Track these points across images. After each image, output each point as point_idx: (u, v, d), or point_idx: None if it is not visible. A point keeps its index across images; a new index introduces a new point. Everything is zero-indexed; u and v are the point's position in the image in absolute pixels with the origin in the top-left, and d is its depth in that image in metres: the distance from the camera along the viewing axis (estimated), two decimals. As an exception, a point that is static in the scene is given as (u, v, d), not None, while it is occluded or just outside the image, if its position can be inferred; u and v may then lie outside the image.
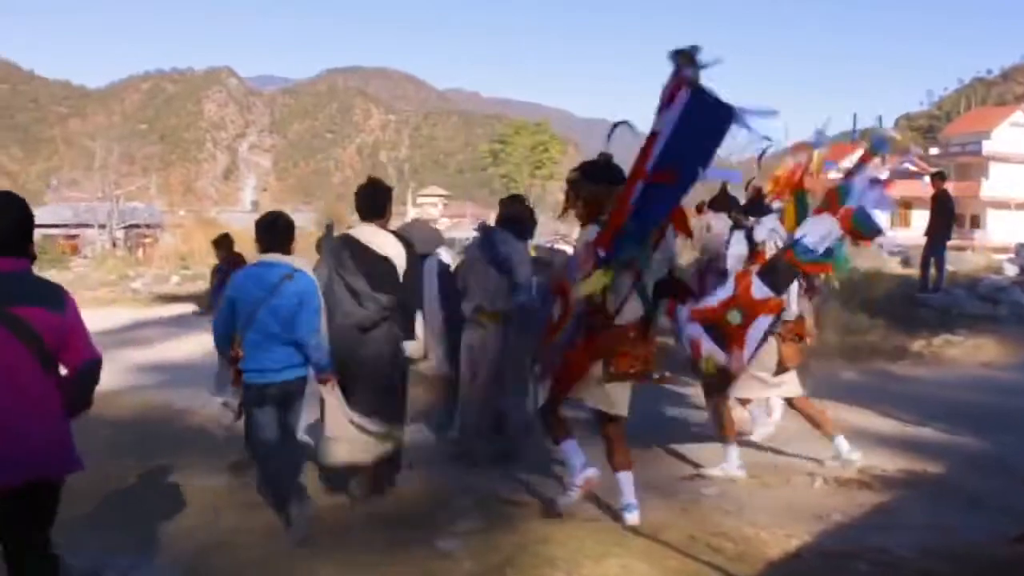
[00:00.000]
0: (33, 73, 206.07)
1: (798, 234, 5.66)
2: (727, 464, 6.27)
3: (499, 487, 5.82)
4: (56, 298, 3.25)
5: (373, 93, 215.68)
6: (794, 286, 6.02)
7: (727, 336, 5.36)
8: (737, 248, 6.11)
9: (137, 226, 43.19)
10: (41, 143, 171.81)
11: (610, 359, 4.85)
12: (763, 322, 5.48)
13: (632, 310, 4.82)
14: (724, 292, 5.53)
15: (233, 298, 4.90)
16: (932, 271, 14.34)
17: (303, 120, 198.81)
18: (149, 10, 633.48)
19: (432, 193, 76.34)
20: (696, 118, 4.14)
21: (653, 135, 4.32)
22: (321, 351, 4.88)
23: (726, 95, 4.13)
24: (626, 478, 5.11)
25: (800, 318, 6.26)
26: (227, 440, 6.77)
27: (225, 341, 4.97)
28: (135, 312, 18.54)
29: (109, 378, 8.93)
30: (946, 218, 13.97)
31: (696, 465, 6.52)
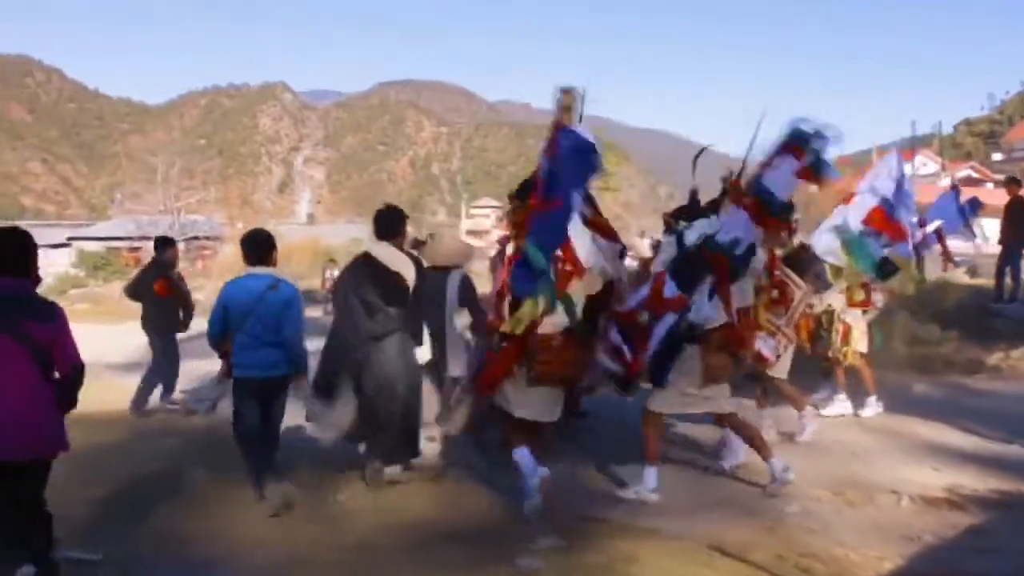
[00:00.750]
0: (98, 92, 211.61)
1: (712, 230, 5.61)
2: (641, 487, 5.85)
3: (578, 503, 5.71)
4: (48, 313, 3.99)
5: (425, 106, 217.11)
6: (740, 288, 5.77)
7: (635, 335, 5.43)
8: (667, 251, 5.91)
9: (197, 238, 43.88)
10: (105, 159, 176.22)
11: (531, 364, 5.17)
12: (668, 319, 5.45)
13: (554, 320, 5.14)
14: (642, 293, 5.60)
15: (225, 305, 5.57)
16: (1008, 280, 13.84)
17: (356, 133, 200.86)
18: (206, 28, 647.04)
19: (485, 204, 76.53)
20: (567, 153, 4.92)
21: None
22: (302, 351, 5.58)
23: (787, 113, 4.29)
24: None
25: (728, 326, 5.64)
26: (296, 453, 6.74)
27: (218, 341, 5.66)
28: (198, 323, 18.72)
29: (178, 387, 9.01)
30: (1021, 225, 13.48)
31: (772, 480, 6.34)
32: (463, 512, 5.44)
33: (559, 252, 5.12)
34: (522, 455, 5.40)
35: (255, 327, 5.46)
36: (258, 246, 5.76)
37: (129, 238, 43.31)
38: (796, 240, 7.94)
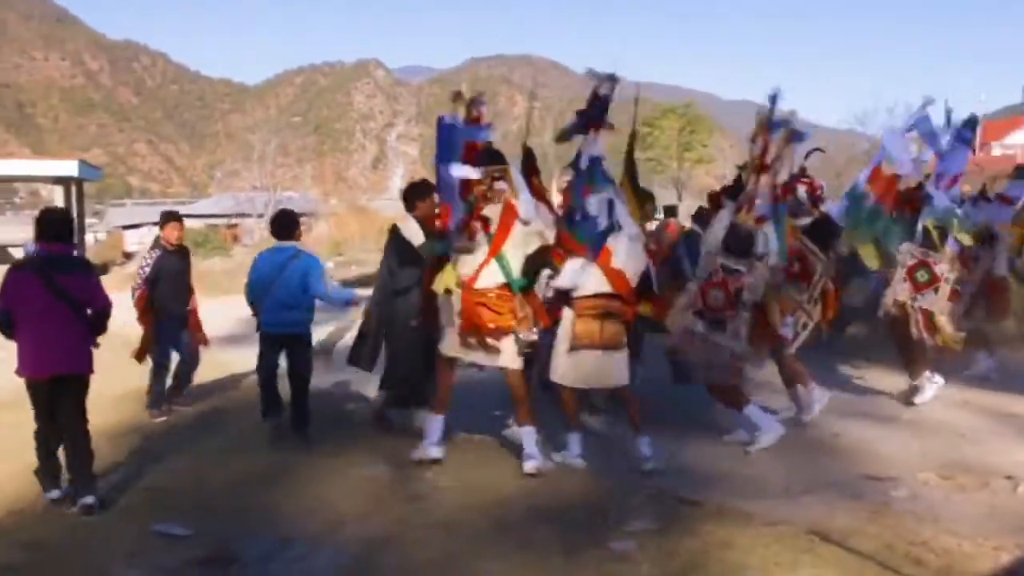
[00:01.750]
0: (199, 74, 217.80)
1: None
2: (567, 452, 5.95)
3: (674, 484, 5.53)
4: (83, 269, 5.40)
5: (517, 81, 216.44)
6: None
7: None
8: (718, 228, 6.32)
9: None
10: (206, 138, 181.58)
11: (470, 318, 5.59)
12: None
13: (490, 276, 5.56)
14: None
15: (255, 274, 6.67)
16: None
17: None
18: (302, 7, 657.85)
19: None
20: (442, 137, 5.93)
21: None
22: (339, 294, 7.17)
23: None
24: (528, 432, 5.74)
25: (600, 296, 5.73)
26: (385, 433, 6.74)
27: (251, 303, 6.76)
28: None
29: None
30: None
31: (878, 463, 6.06)
32: (553, 491, 5.31)
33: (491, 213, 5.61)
34: (433, 421, 5.94)
35: (279, 292, 6.48)
36: (283, 225, 6.80)
37: (227, 215, 44.46)
38: (821, 209, 7.42)
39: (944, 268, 7.57)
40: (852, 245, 7.40)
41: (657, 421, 7.13)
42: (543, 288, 6.16)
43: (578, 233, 5.77)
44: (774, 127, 6.09)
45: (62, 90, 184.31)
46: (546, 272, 5.96)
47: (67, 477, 5.21)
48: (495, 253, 5.54)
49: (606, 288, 5.73)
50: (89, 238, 43.73)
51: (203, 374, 9.13)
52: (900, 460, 6.09)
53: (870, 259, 7.23)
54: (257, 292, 6.64)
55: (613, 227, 5.78)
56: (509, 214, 5.58)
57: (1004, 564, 4.30)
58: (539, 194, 5.96)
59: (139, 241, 35.12)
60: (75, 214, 31.29)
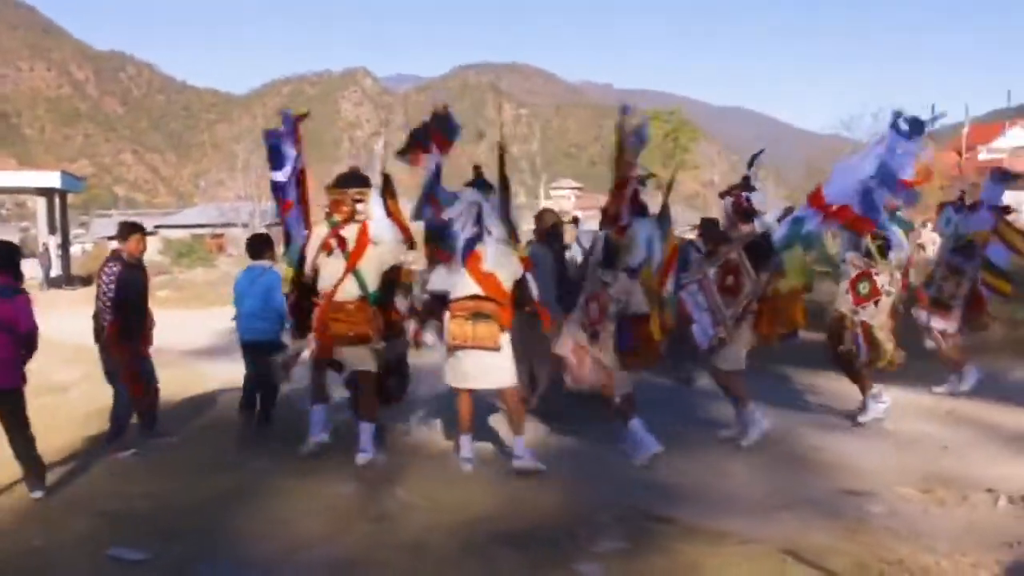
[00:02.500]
0: (185, 83, 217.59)
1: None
2: (461, 452, 6.19)
3: (647, 501, 5.42)
4: (12, 295, 5.59)
5: (505, 88, 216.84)
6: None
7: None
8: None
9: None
10: (192, 148, 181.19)
11: (330, 326, 6.18)
12: None
13: (348, 290, 6.14)
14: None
15: (235, 289, 7.44)
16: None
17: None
18: (289, 17, 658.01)
19: (564, 186, 75.88)
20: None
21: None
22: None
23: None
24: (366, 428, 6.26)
25: (470, 298, 5.95)
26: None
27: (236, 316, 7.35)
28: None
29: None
30: None
31: (857, 477, 5.96)
32: (523, 510, 5.19)
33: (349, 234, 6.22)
34: (317, 412, 6.58)
35: (250, 304, 7.19)
36: (256, 247, 7.54)
37: (212, 225, 44.17)
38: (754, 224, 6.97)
39: (884, 280, 7.19)
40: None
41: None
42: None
43: (442, 243, 6.14)
44: (631, 138, 6.04)
45: (48, 100, 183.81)
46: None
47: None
48: (351, 269, 6.16)
49: (475, 290, 5.96)
50: (76, 249, 43.42)
51: (178, 389, 9.00)
52: (879, 474, 5.99)
53: (796, 277, 6.70)
54: (236, 305, 7.37)
55: (481, 233, 6.03)
56: (363, 235, 6.19)
57: (981, 582, 4.21)
58: (394, 216, 6.38)
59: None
60: (59, 225, 31.11)
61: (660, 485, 5.86)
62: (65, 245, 32.10)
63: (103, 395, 7.99)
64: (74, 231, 48.02)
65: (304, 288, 6.58)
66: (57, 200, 30.51)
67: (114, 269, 6.88)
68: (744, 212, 6.82)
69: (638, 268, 6.11)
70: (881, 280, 7.18)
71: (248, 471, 6.12)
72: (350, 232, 6.22)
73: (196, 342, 12.88)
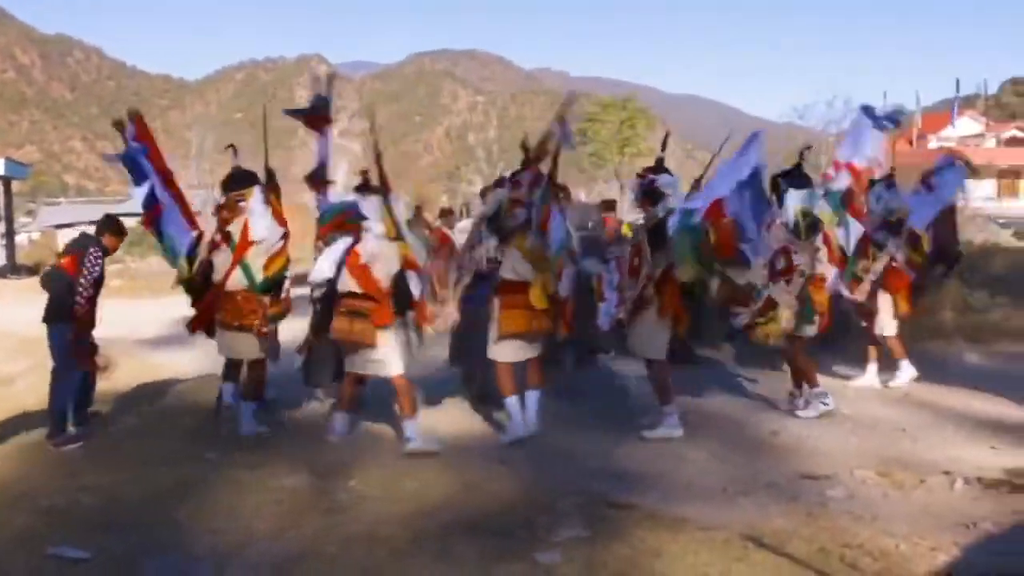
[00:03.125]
0: (136, 69, 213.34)
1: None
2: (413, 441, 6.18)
3: (604, 487, 5.35)
4: None
5: (461, 75, 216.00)
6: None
7: None
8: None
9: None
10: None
11: (222, 315, 6.59)
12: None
13: (235, 281, 6.46)
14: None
15: None
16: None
17: (392, 104, 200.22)
18: (243, 2, 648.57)
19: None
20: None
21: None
22: None
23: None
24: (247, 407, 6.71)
25: (347, 294, 6.16)
26: (311, 438, 6.50)
27: None
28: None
29: (193, 365, 8.78)
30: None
31: (816, 461, 5.96)
32: (479, 499, 5.09)
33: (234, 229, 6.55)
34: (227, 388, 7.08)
35: None
36: None
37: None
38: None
39: (802, 260, 7.07)
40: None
41: (594, 421, 7.04)
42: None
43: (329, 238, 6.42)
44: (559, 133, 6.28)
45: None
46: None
47: None
48: (236, 262, 6.45)
49: (353, 287, 6.15)
50: (22, 238, 42.33)
51: (128, 379, 8.78)
52: (838, 457, 5.98)
53: (685, 272, 6.49)
54: None
55: (360, 232, 6.19)
56: (246, 231, 6.45)
57: (940, 565, 4.20)
58: (274, 210, 6.56)
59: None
60: (3, 213, 30.27)
61: (618, 472, 5.80)
62: (10, 233, 31.25)
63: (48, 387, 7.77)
64: (20, 219, 46.87)
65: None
66: (0, 187, 29.67)
67: (98, 255, 6.79)
68: (649, 193, 6.65)
69: (510, 234, 6.29)
70: (798, 259, 7.07)
71: (197, 463, 5.94)
72: (235, 228, 6.58)
73: (147, 332, 12.57)
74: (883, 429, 6.76)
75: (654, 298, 6.47)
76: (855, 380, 8.24)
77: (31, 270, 27.45)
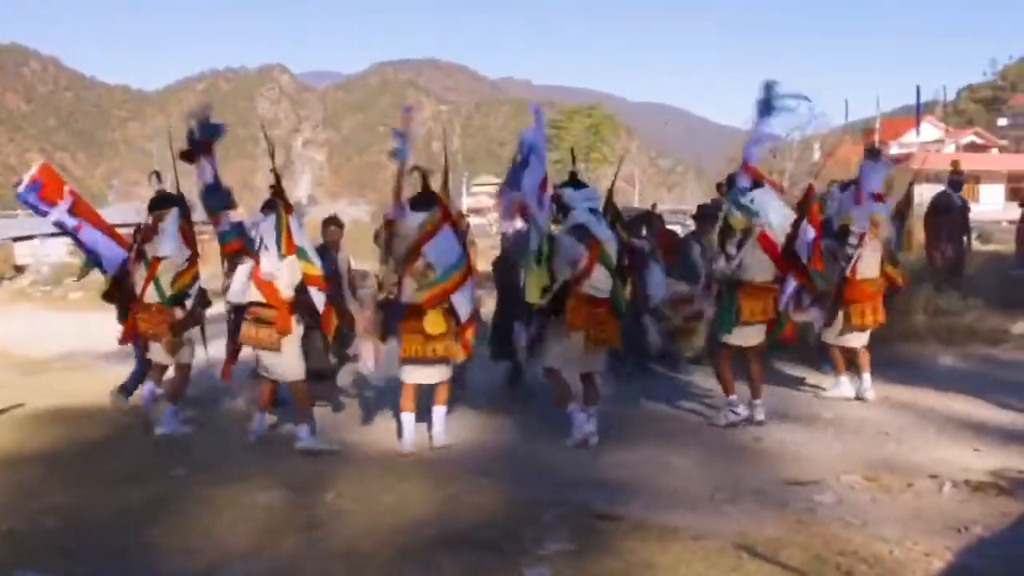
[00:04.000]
0: (95, 79, 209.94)
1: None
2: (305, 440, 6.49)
3: (591, 498, 5.21)
4: None
5: (424, 84, 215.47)
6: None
7: None
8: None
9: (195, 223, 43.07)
10: (104, 146, 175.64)
11: (142, 324, 7.18)
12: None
13: (149, 295, 7.03)
14: None
15: None
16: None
17: (356, 114, 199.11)
18: (202, 12, 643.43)
19: (486, 182, 75.66)
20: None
21: None
22: None
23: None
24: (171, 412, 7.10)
25: (253, 304, 6.45)
26: (284, 452, 6.31)
27: None
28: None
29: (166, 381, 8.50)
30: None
31: (802, 466, 5.87)
32: (462, 512, 4.93)
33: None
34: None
35: None
36: None
37: (127, 225, 42.64)
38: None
39: (720, 266, 6.96)
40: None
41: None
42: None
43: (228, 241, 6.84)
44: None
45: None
46: None
47: None
48: (150, 278, 6.99)
49: (257, 297, 6.44)
50: (-23, 252, 41.44)
51: (92, 394, 8.53)
52: (824, 462, 5.92)
53: (532, 292, 6.42)
54: None
55: (260, 247, 6.45)
56: (156, 248, 7.00)
57: (935, 570, 4.12)
58: (185, 234, 7.07)
59: (31, 254, 33.32)
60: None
61: (602, 481, 5.68)
62: (-34, 248, 30.55)
63: (8, 403, 7.56)
64: (-23, 233, 45.85)
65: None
66: (-44, 200, 28.98)
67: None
68: (560, 207, 6.60)
69: (402, 259, 6.30)
70: (716, 266, 7.04)
71: (166, 480, 5.73)
72: (150, 246, 7.12)
73: (109, 345, 12.23)
74: (866, 433, 6.72)
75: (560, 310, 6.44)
76: (829, 391, 7.92)
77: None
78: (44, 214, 7.65)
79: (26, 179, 7.60)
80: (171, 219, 7.04)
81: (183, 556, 4.44)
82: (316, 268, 6.45)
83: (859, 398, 7.66)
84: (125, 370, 9.93)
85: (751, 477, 5.65)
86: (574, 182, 6.80)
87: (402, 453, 6.40)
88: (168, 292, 6.98)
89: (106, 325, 12.60)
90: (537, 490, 5.39)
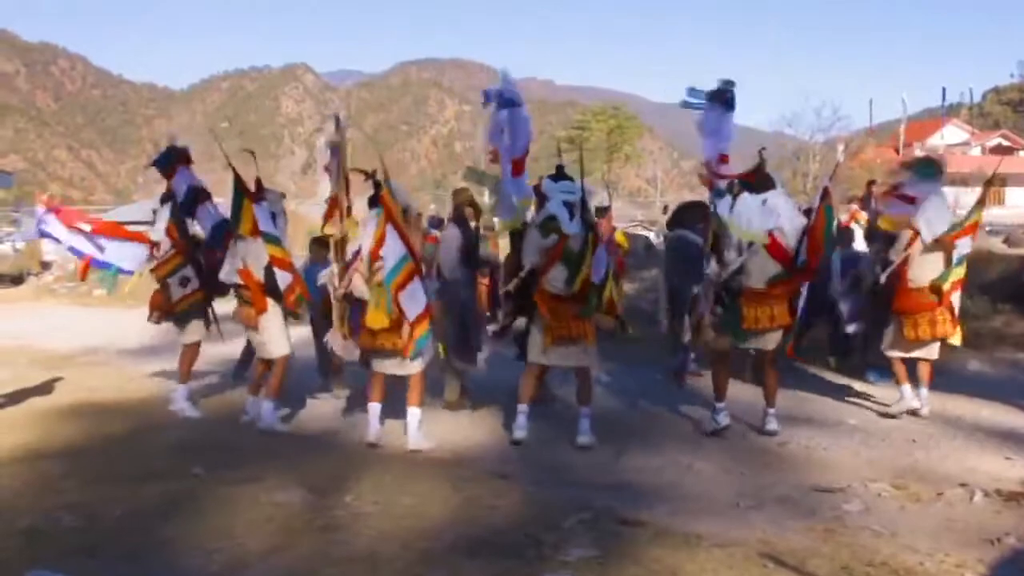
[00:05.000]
0: (122, 78, 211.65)
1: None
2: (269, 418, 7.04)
3: (609, 502, 5.12)
4: None
5: (447, 84, 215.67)
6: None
7: None
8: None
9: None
10: (129, 144, 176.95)
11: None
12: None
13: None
14: None
15: None
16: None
17: (378, 113, 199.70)
18: (228, 12, 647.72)
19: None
20: None
21: None
22: None
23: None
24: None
25: (241, 286, 7.05)
26: (302, 451, 6.27)
27: None
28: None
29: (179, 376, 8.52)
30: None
31: (828, 473, 5.76)
32: (482, 516, 4.85)
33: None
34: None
35: None
36: None
37: (148, 222, 42.90)
38: None
39: (712, 270, 6.80)
40: None
41: (599, 432, 6.82)
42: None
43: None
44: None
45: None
46: None
47: None
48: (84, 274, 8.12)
49: (238, 279, 7.04)
50: (6, 247, 41.78)
51: (113, 391, 8.54)
52: (850, 469, 5.82)
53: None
54: None
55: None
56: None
57: (969, 584, 4.00)
58: (168, 229, 7.65)
59: (56, 251, 33.60)
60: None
61: (625, 485, 5.61)
62: (-9, 244, 30.83)
63: (31, 398, 7.56)
64: (4, 228, 46.22)
65: None
66: (-17, 196, 29.26)
67: None
68: (538, 197, 6.69)
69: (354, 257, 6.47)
70: (709, 270, 6.89)
71: (184, 479, 5.67)
72: None
73: (133, 341, 12.29)
74: (893, 439, 6.60)
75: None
76: (892, 407, 7.30)
77: (14, 280, 27.03)
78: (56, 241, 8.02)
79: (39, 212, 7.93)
80: (162, 215, 7.73)
81: (201, 556, 4.39)
82: (281, 251, 6.91)
83: (912, 413, 7.17)
84: (147, 366, 10.02)
85: (777, 484, 5.56)
86: (555, 174, 6.72)
87: (367, 443, 6.50)
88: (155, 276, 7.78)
89: (129, 321, 12.67)
90: (558, 493, 5.32)
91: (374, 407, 6.61)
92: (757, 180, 6.60)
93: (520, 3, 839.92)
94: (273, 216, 7.09)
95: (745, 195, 6.52)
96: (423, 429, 6.58)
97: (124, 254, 8.00)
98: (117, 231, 8.13)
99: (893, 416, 7.16)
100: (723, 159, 6.59)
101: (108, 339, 12.04)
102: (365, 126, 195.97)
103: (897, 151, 45.01)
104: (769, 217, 6.50)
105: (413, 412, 6.53)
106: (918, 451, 6.29)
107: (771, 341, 6.79)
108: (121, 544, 4.58)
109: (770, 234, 6.46)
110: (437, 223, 13.43)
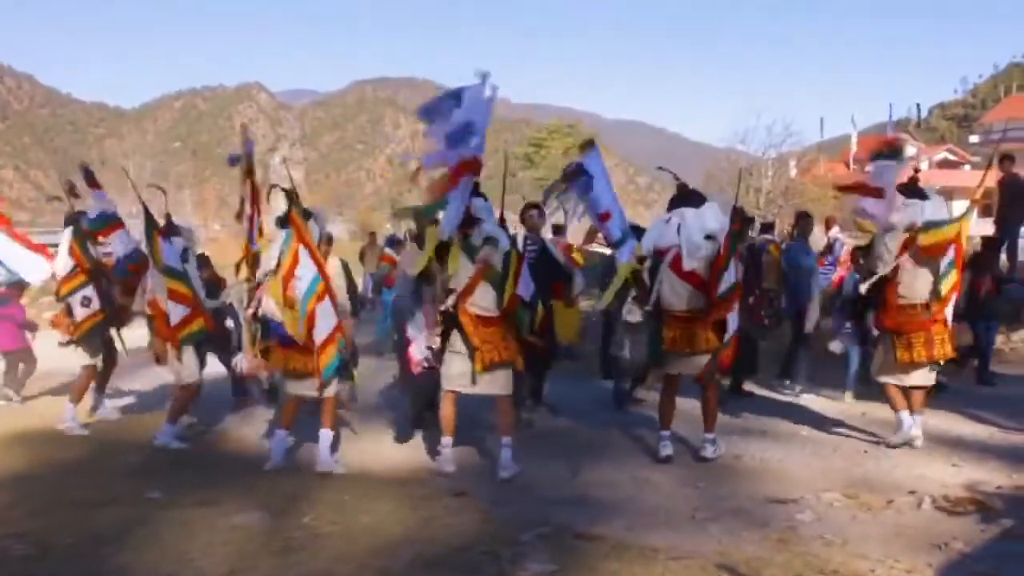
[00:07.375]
0: (71, 96, 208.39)
1: None
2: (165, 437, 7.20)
3: (566, 517, 5.16)
4: None
5: (402, 102, 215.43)
6: None
7: None
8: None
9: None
10: (80, 164, 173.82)
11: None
12: None
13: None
14: None
15: None
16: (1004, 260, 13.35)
17: (333, 132, 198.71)
18: (180, 30, 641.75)
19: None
20: None
21: None
22: None
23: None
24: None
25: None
26: (260, 472, 6.23)
27: None
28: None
29: (141, 400, 8.44)
30: (1018, 203, 12.97)
31: (782, 484, 5.85)
32: (440, 533, 4.85)
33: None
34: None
35: None
36: None
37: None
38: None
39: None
40: None
41: (557, 447, 6.86)
42: None
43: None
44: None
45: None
46: None
47: None
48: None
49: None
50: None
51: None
52: (803, 480, 5.92)
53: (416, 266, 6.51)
54: None
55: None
56: None
57: (918, 589, 4.10)
58: (72, 249, 7.97)
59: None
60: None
61: (583, 499, 5.65)
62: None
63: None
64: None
65: None
66: (-72, 218, 28.61)
67: None
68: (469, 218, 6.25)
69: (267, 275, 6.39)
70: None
71: (139, 503, 5.61)
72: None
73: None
74: (845, 450, 6.73)
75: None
76: (892, 438, 6.80)
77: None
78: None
79: None
80: (64, 235, 8.02)
81: (158, 581, 4.35)
82: (182, 286, 7.13)
83: (907, 444, 6.69)
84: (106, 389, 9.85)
85: (732, 495, 5.63)
86: (481, 194, 6.26)
87: (273, 466, 6.41)
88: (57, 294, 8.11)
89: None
90: (516, 509, 5.34)
91: (280, 434, 6.54)
92: (682, 197, 6.51)
93: (475, 22, 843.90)
94: (186, 250, 7.37)
95: (672, 213, 6.45)
96: (336, 455, 6.60)
97: (26, 264, 8.66)
98: (24, 239, 8.66)
99: (893, 446, 6.68)
100: (605, 217, 6.53)
101: (66, 362, 11.82)
102: (320, 145, 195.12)
103: (847, 165, 45.93)
104: (665, 235, 6.38)
105: (325, 434, 6.40)
106: (869, 461, 6.42)
107: (693, 366, 6.40)
108: (74, 571, 4.52)
109: (670, 252, 6.31)
110: (394, 242, 13.41)
